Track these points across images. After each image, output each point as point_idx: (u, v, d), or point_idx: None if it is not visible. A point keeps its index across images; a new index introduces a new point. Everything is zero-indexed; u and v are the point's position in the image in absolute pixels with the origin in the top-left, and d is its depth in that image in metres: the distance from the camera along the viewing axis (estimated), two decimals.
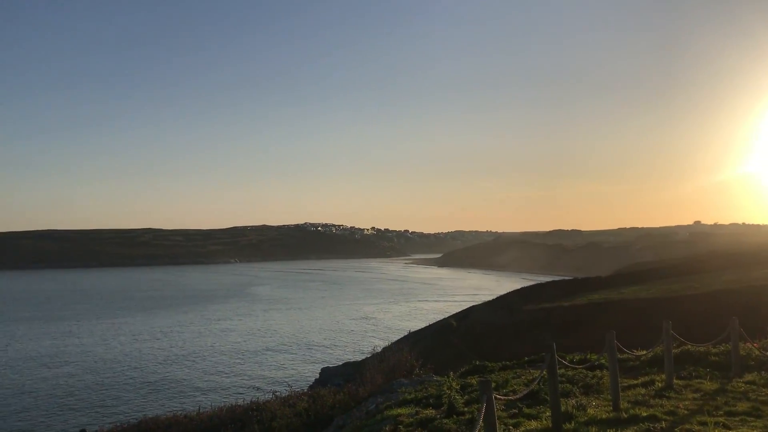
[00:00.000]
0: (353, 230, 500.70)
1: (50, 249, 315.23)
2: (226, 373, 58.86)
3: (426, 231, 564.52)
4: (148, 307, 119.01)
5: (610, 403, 10.38)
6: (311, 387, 34.33)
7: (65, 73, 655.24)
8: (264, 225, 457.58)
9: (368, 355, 41.15)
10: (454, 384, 12.76)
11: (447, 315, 58.36)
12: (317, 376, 42.92)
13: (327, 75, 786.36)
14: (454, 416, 10.31)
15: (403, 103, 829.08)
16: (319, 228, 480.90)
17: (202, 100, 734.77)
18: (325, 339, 79.00)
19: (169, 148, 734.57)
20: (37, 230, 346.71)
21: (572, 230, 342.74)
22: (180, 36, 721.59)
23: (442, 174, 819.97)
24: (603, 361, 12.78)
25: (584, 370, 13.13)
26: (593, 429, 8.99)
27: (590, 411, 9.96)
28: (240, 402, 24.27)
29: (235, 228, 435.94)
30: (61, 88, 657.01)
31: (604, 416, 9.65)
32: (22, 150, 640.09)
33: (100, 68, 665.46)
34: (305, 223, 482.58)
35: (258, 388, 46.14)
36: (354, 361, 42.15)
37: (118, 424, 23.57)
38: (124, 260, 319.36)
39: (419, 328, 54.42)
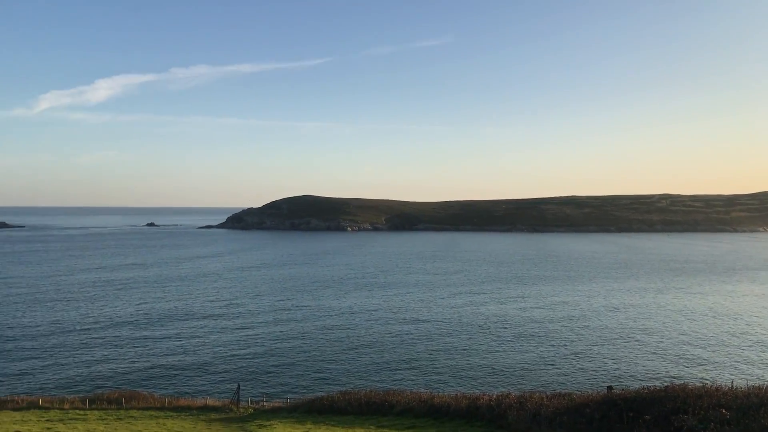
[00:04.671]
0: None
1: (572, 213, 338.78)
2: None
3: None
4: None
5: None
6: None
7: None
8: None
9: None
10: None
11: None
12: None
13: None
14: None
15: None
16: None
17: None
18: None
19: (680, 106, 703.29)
20: (560, 197, 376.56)
21: None
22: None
23: None
24: None
25: None
26: None
27: None
28: None
29: (764, 192, 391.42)
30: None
31: None
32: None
33: None
34: None
35: None
36: None
37: (645, 386, 25.16)
38: (641, 225, 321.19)
39: None
